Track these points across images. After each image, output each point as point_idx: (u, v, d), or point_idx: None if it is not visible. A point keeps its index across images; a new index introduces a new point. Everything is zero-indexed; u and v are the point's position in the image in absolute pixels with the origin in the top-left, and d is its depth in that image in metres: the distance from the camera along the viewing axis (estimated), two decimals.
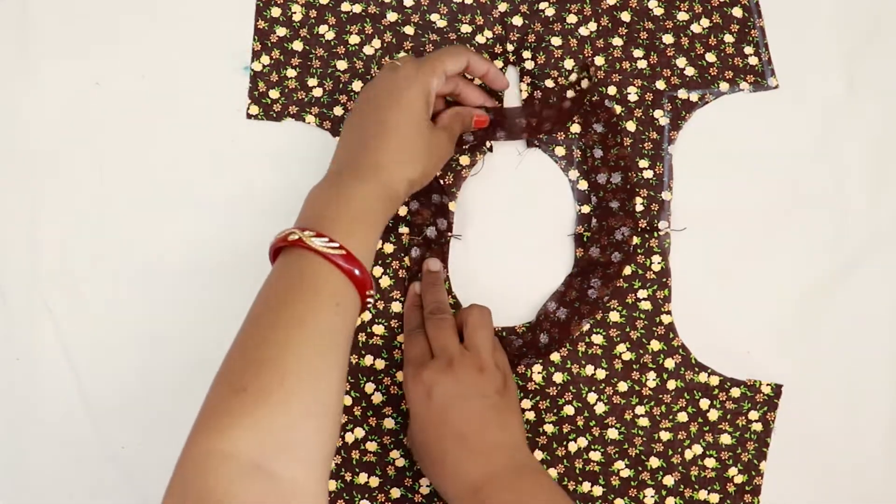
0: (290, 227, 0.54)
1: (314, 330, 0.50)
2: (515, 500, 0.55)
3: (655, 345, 0.65)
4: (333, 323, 0.51)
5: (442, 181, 0.66)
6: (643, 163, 0.67)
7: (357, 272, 0.52)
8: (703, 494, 0.64)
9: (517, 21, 0.69)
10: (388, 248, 0.66)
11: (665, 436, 0.64)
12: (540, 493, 0.56)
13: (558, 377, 0.65)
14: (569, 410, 0.64)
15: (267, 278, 0.53)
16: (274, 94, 0.68)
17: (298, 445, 0.46)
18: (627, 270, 0.65)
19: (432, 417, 0.57)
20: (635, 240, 0.66)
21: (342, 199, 0.55)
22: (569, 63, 0.68)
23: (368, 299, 0.54)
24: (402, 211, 0.66)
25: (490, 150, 0.67)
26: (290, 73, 0.68)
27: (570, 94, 0.67)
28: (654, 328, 0.65)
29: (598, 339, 0.65)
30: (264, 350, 0.49)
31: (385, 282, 0.65)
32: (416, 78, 0.59)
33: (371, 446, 0.64)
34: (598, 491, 0.64)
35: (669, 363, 0.65)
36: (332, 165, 0.59)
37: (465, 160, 0.67)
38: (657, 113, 0.68)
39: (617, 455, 0.64)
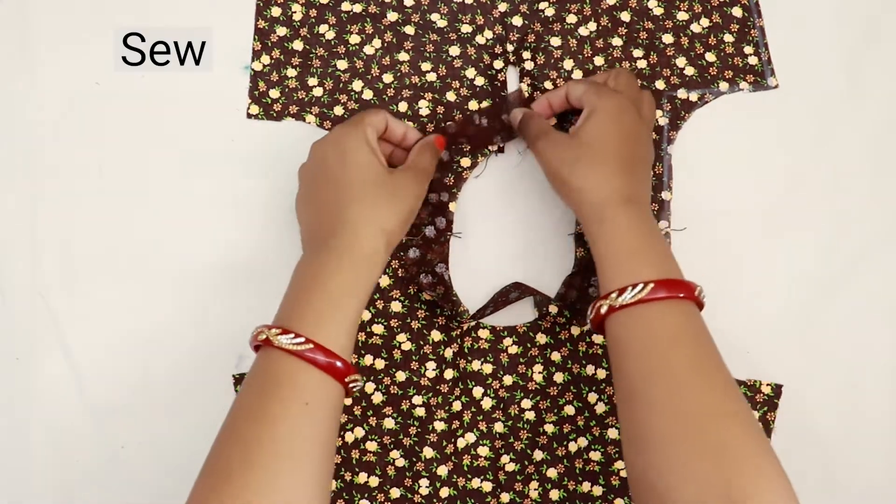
0: (266, 322, 0.55)
1: (282, 434, 0.50)
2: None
3: None
4: (301, 425, 0.51)
5: (444, 181, 0.66)
6: None
7: (337, 364, 0.52)
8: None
9: (517, 21, 0.69)
10: None
11: None
12: None
13: (559, 377, 0.65)
14: (569, 410, 0.64)
15: (246, 375, 0.54)
16: (274, 93, 0.68)
17: None
18: None
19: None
20: None
21: (314, 282, 0.55)
22: (568, 63, 0.68)
23: (352, 384, 0.54)
24: None
25: (502, 150, 0.67)
26: (291, 72, 0.68)
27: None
28: None
29: (598, 339, 0.65)
30: (233, 452, 0.50)
31: (384, 281, 0.65)
32: (348, 133, 0.58)
33: (371, 446, 0.64)
34: (598, 491, 0.64)
35: None
36: (302, 245, 0.60)
37: (466, 162, 0.67)
38: (657, 113, 0.68)
39: (617, 455, 0.64)
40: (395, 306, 0.65)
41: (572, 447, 0.64)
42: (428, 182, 0.62)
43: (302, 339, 0.52)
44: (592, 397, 0.64)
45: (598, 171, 0.58)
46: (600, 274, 0.56)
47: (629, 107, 0.60)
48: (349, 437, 0.64)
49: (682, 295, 0.53)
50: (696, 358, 0.52)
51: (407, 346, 0.65)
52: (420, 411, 0.64)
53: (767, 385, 0.65)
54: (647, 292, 0.53)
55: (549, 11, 0.69)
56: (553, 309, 0.65)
